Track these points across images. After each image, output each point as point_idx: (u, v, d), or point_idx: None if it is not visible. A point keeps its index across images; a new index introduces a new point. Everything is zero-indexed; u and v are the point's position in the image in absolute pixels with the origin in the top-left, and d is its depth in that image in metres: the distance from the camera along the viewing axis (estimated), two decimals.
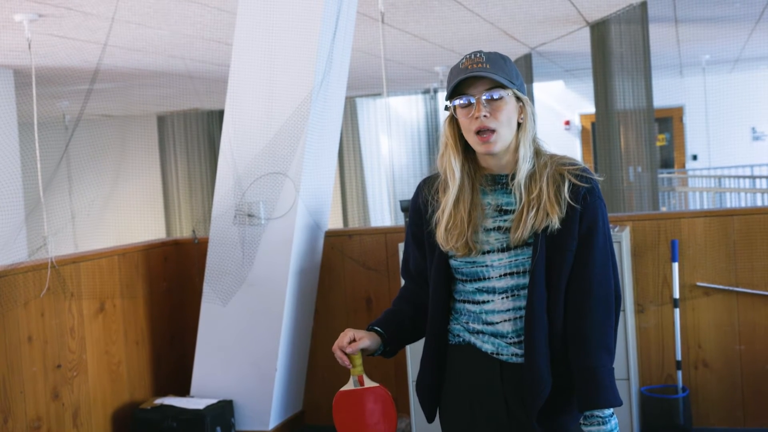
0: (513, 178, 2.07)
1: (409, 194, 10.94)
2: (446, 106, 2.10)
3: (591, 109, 9.51)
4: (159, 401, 4.45)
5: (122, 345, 4.53)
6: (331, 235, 4.78)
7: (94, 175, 10.08)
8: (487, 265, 2.07)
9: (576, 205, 2.03)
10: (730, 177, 11.67)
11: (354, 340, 2.09)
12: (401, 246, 4.14)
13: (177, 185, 12.58)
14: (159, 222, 12.10)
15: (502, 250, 2.06)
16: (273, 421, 4.52)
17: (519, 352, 2.05)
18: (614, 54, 7.22)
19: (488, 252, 2.07)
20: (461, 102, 2.04)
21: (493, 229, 2.07)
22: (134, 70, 8.19)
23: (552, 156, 2.10)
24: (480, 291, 2.09)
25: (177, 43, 6.99)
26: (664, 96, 11.27)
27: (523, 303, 2.05)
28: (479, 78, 2.02)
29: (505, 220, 2.07)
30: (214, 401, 4.42)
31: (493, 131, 2.02)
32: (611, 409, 2.00)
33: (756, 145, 13.37)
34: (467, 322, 2.11)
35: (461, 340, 2.13)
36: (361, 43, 6.84)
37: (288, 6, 4.33)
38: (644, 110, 7.06)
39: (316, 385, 4.81)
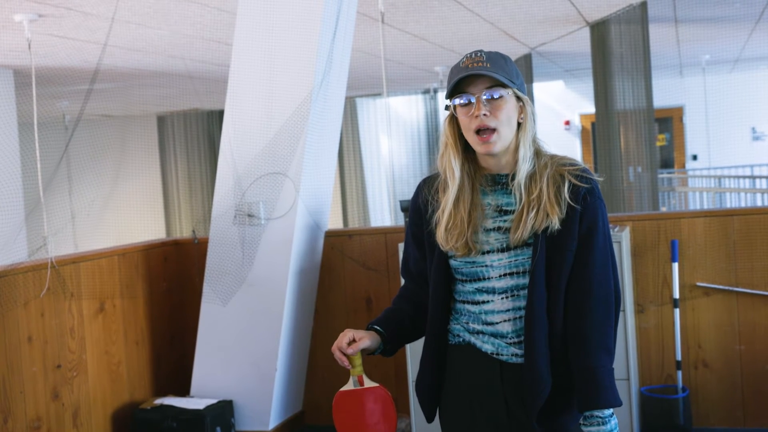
0: (513, 178, 2.07)
1: (409, 194, 10.94)
2: (446, 105, 2.10)
3: (591, 109, 9.51)
4: (159, 401, 4.45)
5: (122, 345, 4.53)
6: (331, 235, 4.78)
7: (94, 175, 10.09)
8: (486, 265, 2.07)
9: (576, 206, 2.03)
10: (730, 177, 11.67)
11: (354, 341, 2.09)
12: (401, 246, 4.14)
13: (177, 185, 12.58)
14: (159, 222, 12.10)
15: (502, 250, 2.06)
16: (273, 421, 4.52)
17: (519, 352, 2.05)
18: (614, 54, 7.22)
19: (488, 252, 2.07)
20: (461, 101, 2.04)
21: (493, 229, 2.07)
22: (134, 70, 8.20)
23: (552, 156, 2.10)
24: (480, 291, 2.09)
25: (177, 43, 6.99)
26: (664, 96, 11.27)
27: (522, 303, 2.05)
28: (479, 77, 2.02)
29: (505, 221, 2.07)
30: (214, 401, 4.42)
31: (493, 130, 2.02)
32: (611, 410, 2.00)
33: (756, 145, 13.37)
34: (467, 323, 2.11)
35: (461, 340, 2.13)
36: (361, 43, 6.85)
37: (288, 6, 4.33)
38: (644, 110, 7.06)
39: (316, 385, 4.81)
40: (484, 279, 2.08)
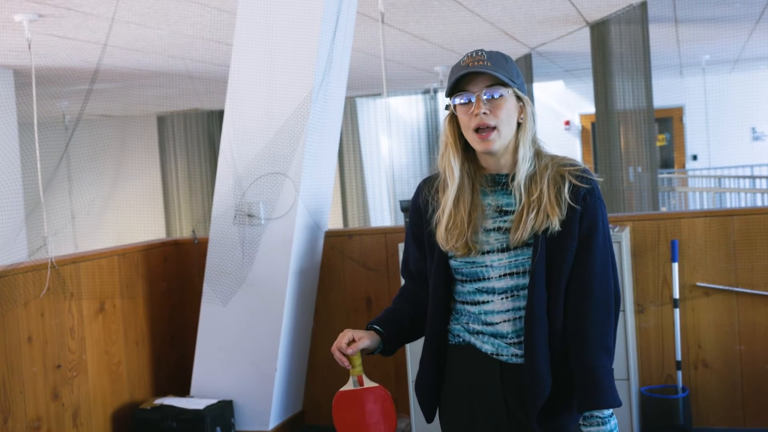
0: (513, 178, 2.07)
1: (409, 194, 10.94)
2: (447, 105, 2.10)
3: (591, 109, 9.51)
4: (159, 401, 4.45)
5: (122, 345, 4.53)
6: (331, 235, 4.78)
7: (94, 175, 10.09)
8: (486, 266, 2.07)
9: (576, 206, 2.03)
10: (730, 177, 11.67)
11: (353, 341, 2.09)
12: (401, 246, 4.14)
13: (177, 185, 12.58)
14: (159, 222, 12.10)
15: (502, 251, 2.06)
16: (273, 421, 4.52)
17: (519, 352, 2.05)
18: (614, 54, 7.22)
19: (488, 252, 2.07)
20: (461, 100, 2.04)
21: (493, 229, 2.07)
22: (134, 70, 8.20)
23: (553, 157, 2.10)
24: (479, 291, 2.09)
25: (177, 43, 6.99)
26: (664, 96, 11.27)
27: (522, 303, 2.05)
28: (480, 75, 2.02)
29: (505, 221, 2.07)
30: (214, 401, 4.42)
31: (492, 128, 2.02)
32: (611, 410, 2.00)
33: (756, 145, 13.37)
34: (467, 323, 2.11)
35: (461, 340, 2.13)
36: (361, 43, 6.84)
37: (288, 6, 4.33)
38: (644, 110, 7.06)
39: (316, 385, 4.81)
40: (484, 279, 2.07)
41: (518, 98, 2.07)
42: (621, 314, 3.89)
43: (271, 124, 4.36)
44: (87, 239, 8.43)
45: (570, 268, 2.03)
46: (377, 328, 2.16)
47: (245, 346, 4.48)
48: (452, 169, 2.09)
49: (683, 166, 13.67)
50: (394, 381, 4.68)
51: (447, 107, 2.10)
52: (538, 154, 2.09)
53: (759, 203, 10.44)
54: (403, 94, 12.05)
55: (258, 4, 4.38)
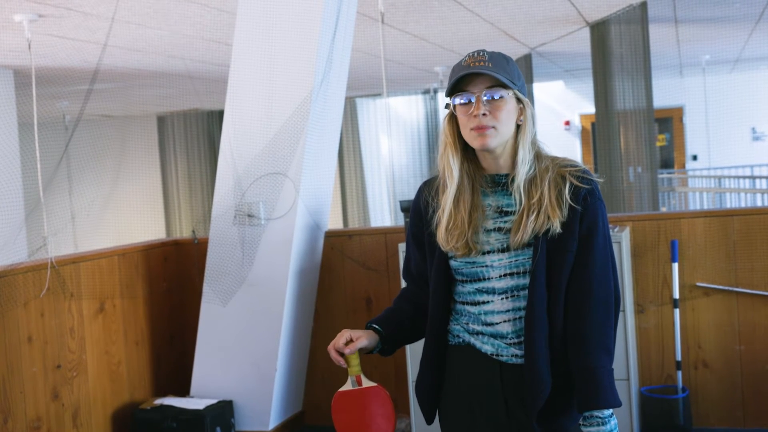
0: (513, 180, 2.07)
1: (409, 194, 10.95)
2: (446, 104, 2.10)
3: (591, 109, 9.51)
4: (159, 401, 4.45)
5: (122, 345, 4.53)
6: (331, 235, 4.78)
7: (94, 175, 10.08)
8: (487, 266, 2.07)
9: (576, 206, 2.03)
10: (730, 177, 11.67)
11: (351, 341, 2.10)
12: (401, 246, 4.14)
13: (177, 185, 12.58)
14: (159, 222, 12.10)
15: (502, 251, 2.06)
16: (273, 422, 4.52)
17: (519, 352, 2.05)
18: (614, 54, 7.22)
19: (488, 252, 2.07)
20: (461, 100, 2.04)
21: (494, 229, 2.07)
22: (134, 70, 8.20)
23: (553, 159, 2.10)
24: (480, 291, 2.09)
25: (177, 43, 6.99)
26: (664, 96, 11.27)
27: (522, 303, 2.05)
28: (480, 76, 2.02)
29: (505, 221, 2.07)
30: (214, 401, 4.42)
31: (491, 128, 2.03)
32: (611, 410, 2.00)
33: (756, 145, 13.37)
34: (467, 323, 2.11)
35: (461, 340, 2.13)
36: (361, 43, 6.84)
37: (288, 6, 4.33)
38: (644, 110, 7.06)
39: (316, 385, 4.81)
40: (485, 279, 2.07)
41: (518, 100, 2.06)
42: (621, 314, 3.89)
43: (271, 124, 4.36)
44: (87, 239, 8.44)
45: (570, 268, 2.03)
46: (376, 327, 2.16)
47: (245, 346, 4.49)
48: (451, 168, 2.08)
49: (683, 166, 13.67)
50: (394, 381, 4.68)
51: (447, 106, 2.10)
52: (538, 156, 2.09)
53: (759, 203, 10.44)
54: (403, 94, 12.05)
55: (258, 4, 4.38)
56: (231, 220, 4.45)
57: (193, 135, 12.53)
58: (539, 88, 12.69)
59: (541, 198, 2.02)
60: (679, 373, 4.31)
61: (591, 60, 7.64)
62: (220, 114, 11.23)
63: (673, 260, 4.28)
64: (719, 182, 11.89)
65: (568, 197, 2.03)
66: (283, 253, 4.39)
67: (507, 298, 2.06)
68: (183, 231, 12.17)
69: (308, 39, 4.30)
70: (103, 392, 4.36)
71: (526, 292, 2.04)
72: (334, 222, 11.06)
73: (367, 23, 6.39)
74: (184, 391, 4.83)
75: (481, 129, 2.02)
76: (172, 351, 4.95)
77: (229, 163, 4.46)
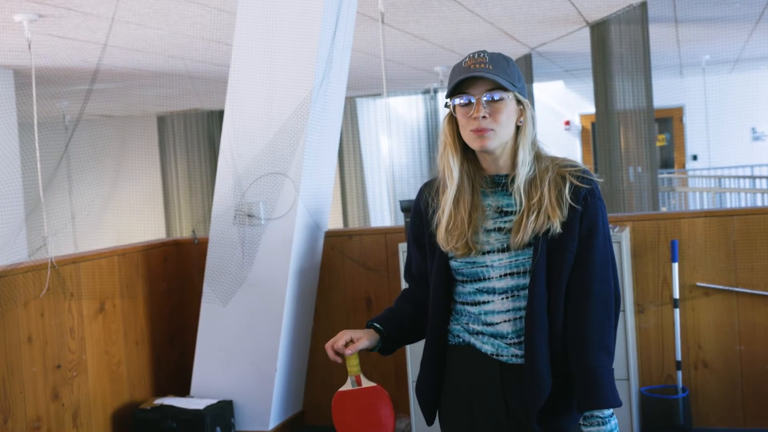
0: (513, 180, 2.07)
1: (409, 194, 10.95)
2: (446, 103, 2.10)
3: (591, 109, 9.51)
4: (159, 401, 4.45)
5: (122, 345, 4.53)
6: (331, 235, 4.78)
7: (94, 175, 10.08)
8: (487, 266, 2.07)
9: (577, 206, 2.04)
10: (730, 177, 11.67)
11: (352, 341, 2.10)
12: (401, 246, 4.15)
13: (177, 185, 12.58)
14: (159, 222, 12.10)
15: (502, 251, 2.06)
16: (273, 422, 4.52)
17: (519, 352, 2.05)
18: (614, 54, 7.22)
19: (488, 252, 2.07)
20: (461, 101, 2.04)
21: (494, 230, 2.07)
22: (134, 70, 8.20)
23: (553, 159, 2.10)
24: (480, 291, 2.09)
25: (177, 43, 6.99)
26: (664, 96, 11.27)
27: (522, 303, 2.05)
28: (481, 78, 2.02)
29: (505, 222, 2.07)
30: (214, 401, 4.42)
31: (490, 131, 2.03)
32: (611, 410, 2.00)
33: (756, 145, 13.37)
34: (467, 323, 2.11)
35: (461, 340, 2.13)
36: (361, 43, 6.84)
37: (288, 6, 4.33)
38: (644, 110, 7.06)
39: (316, 385, 4.81)
40: (485, 279, 2.08)
41: (518, 101, 2.07)
42: (621, 314, 3.89)
43: (271, 124, 4.36)
44: (87, 239, 8.43)
45: (570, 268, 2.03)
46: (377, 326, 2.16)
47: (245, 346, 4.49)
48: (451, 169, 2.09)
49: (683, 166, 13.67)
50: (394, 381, 4.68)
51: (446, 105, 2.10)
52: (538, 156, 2.09)
53: (759, 203, 10.44)
54: (403, 94, 12.05)
55: (258, 4, 4.38)
56: (231, 220, 4.45)
57: (193, 135, 12.53)
58: (539, 88, 12.69)
59: (541, 198, 2.02)
60: (679, 373, 4.31)
61: (591, 60, 7.64)
62: (220, 114, 11.23)
63: (673, 260, 4.28)
64: (719, 182, 11.89)
65: (568, 197, 2.03)
66: (283, 253, 4.39)
67: (507, 298, 2.06)
68: (183, 231, 12.17)
69: (308, 39, 4.30)
70: (103, 392, 4.36)
71: (526, 292, 2.04)
72: (334, 222, 11.06)
73: (367, 23, 6.39)
74: (184, 391, 4.83)
75: (480, 132, 2.02)
76: (172, 351, 4.95)
77: (229, 163, 4.46)
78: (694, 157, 13.56)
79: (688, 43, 9.42)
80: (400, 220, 6.28)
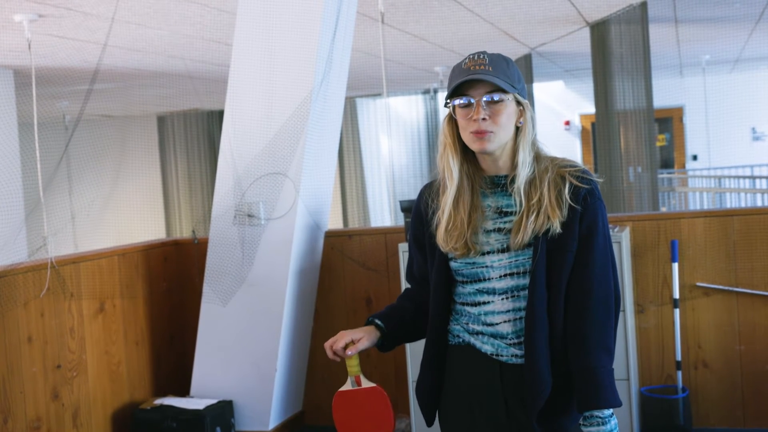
0: (513, 181, 2.07)
1: (409, 194, 10.95)
2: (446, 103, 2.10)
3: (591, 109, 9.51)
4: (159, 401, 4.45)
5: (122, 345, 4.53)
6: (331, 236, 4.78)
7: (94, 175, 10.08)
8: (487, 266, 2.07)
9: (576, 206, 2.04)
10: (730, 177, 11.67)
11: (352, 343, 2.10)
12: (401, 246, 4.15)
13: (177, 185, 12.58)
14: (159, 222, 12.10)
15: (502, 251, 2.06)
16: (273, 422, 4.52)
17: (519, 353, 2.06)
18: (614, 54, 7.22)
19: (488, 253, 2.07)
20: (461, 102, 2.04)
21: (494, 230, 2.07)
22: (134, 70, 8.20)
23: (553, 159, 2.10)
24: (480, 292, 2.09)
25: (177, 43, 6.99)
26: (664, 96, 11.27)
27: (522, 304, 2.05)
28: (481, 81, 2.02)
29: (505, 222, 2.07)
30: (214, 401, 4.42)
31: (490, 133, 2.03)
32: (611, 410, 2.00)
33: (756, 145, 13.37)
34: (467, 323, 2.12)
35: (461, 340, 2.13)
36: (361, 43, 6.84)
37: (288, 6, 4.33)
38: (644, 110, 7.06)
39: (316, 385, 4.81)
40: (485, 280, 2.08)
41: (518, 102, 2.07)
42: (621, 314, 3.88)
43: (271, 124, 4.36)
44: (87, 239, 8.44)
45: (570, 268, 2.03)
46: (378, 322, 2.17)
47: (245, 346, 4.49)
48: (451, 170, 2.09)
49: (683, 166, 13.67)
50: (393, 382, 4.68)
51: (446, 105, 2.10)
52: (537, 156, 2.09)
53: (759, 203, 10.44)
54: (403, 94, 12.05)
55: (258, 4, 4.38)
56: (231, 220, 4.45)
57: (193, 135, 12.54)
58: (539, 88, 12.69)
59: (540, 198, 2.02)
60: (679, 373, 4.31)
61: (591, 60, 7.64)
62: (220, 114, 11.23)
63: (673, 260, 4.28)
64: (719, 182, 11.89)
65: (567, 197, 2.03)
66: (283, 253, 4.39)
67: (507, 298, 2.06)
68: (183, 231, 12.17)
69: (308, 39, 4.30)
70: (103, 392, 4.36)
71: (526, 292, 2.04)
72: (334, 222, 11.06)
73: (367, 23, 6.39)
74: (184, 391, 4.83)
75: (480, 134, 2.02)
76: (172, 351, 4.95)
77: (229, 163, 4.46)
78: (694, 157, 13.56)
79: (688, 43, 9.42)
80: (400, 220, 6.28)
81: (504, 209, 2.08)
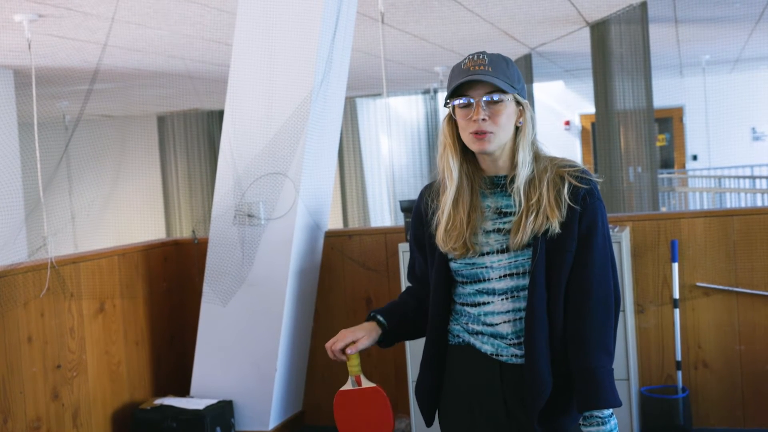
0: (512, 181, 2.07)
1: (409, 194, 10.95)
2: (446, 103, 2.10)
3: (591, 109, 9.52)
4: (159, 401, 4.45)
5: (122, 345, 4.53)
6: (331, 236, 4.78)
7: (94, 175, 10.08)
8: (486, 267, 2.07)
9: (576, 206, 2.04)
10: (730, 177, 11.67)
11: (353, 343, 2.10)
12: (401, 246, 4.15)
13: (177, 185, 12.58)
14: (159, 222, 12.10)
15: (502, 251, 2.06)
16: (273, 422, 4.52)
17: (519, 353, 2.06)
18: (614, 54, 7.22)
19: (488, 253, 2.07)
20: (460, 102, 2.04)
21: (493, 230, 2.07)
22: (134, 70, 8.20)
23: (552, 159, 2.10)
24: (480, 292, 2.09)
25: (177, 43, 6.99)
26: (664, 96, 11.27)
27: (522, 304, 2.05)
28: (480, 81, 2.02)
29: (504, 222, 2.07)
30: (214, 401, 4.42)
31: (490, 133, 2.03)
32: (610, 410, 2.00)
33: (756, 145, 13.37)
34: (467, 323, 2.12)
35: (461, 340, 2.13)
36: (361, 43, 6.84)
37: (288, 6, 4.33)
38: (644, 110, 7.06)
39: (316, 385, 4.81)
40: (484, 280, 2.08)
41: (518, 102, 2.07)
42: (621, 314, 3.89)
43: (271, 124, 4.36)
44: (87, 239, 8.44)
45: (570, 268, 2.03)
46: (380, 318, 2.17)
47: (245, 346, 4.49)
48: (451, 170, 2.09)
49: (683, 166, 13.67)
50: (394, 381, 4.68)
51: (446, 105, 2.10)
52: (537, 156, 2.09)
53: (759, 203, 10.44)
54: (403, 94, 12.05)
55: (258, 4, 4.38)
56: (231, 220, 4.45)
57: (193, 135, 12.54)
58: (539, 88, 12.69)
59: (539, 199, 2.02)
60: (679, 373, 4.31)
61: (591, 60, 7.65)
62: (220, 114, 11.23)
63: (673, 260, 4.28)
64: (719, 182, 11.89)
65: (567, 197, 2.03)
66: (283, 253, 4.39)
67: (507, 298, 2.06)
68: (183, 231, 12.17)
69: (308, 39, 4.30)
70: (103, 392, 4.36)
71: (526, 292, 2.04)
72: (334, 222, 11.06)
73: (367, 23, 6.39)
74: (184, 391, 4.83)
75: (480, 134, 2.02)
76: (172, 351, 4.95)
77: (229, 163, 4.46)
78: (694, 157, 13.56)
79: (688, 43, 9.42)
80: (400, 220, 6.28)
81: (503, 210, 2.08)
